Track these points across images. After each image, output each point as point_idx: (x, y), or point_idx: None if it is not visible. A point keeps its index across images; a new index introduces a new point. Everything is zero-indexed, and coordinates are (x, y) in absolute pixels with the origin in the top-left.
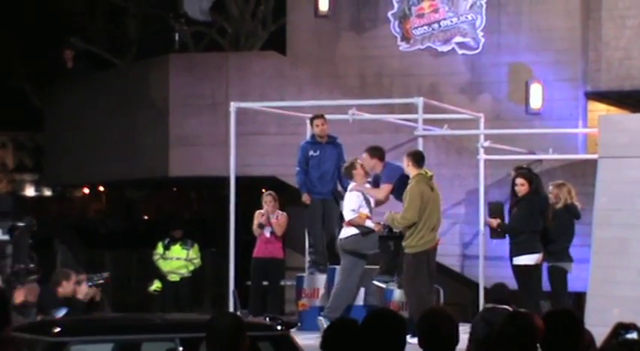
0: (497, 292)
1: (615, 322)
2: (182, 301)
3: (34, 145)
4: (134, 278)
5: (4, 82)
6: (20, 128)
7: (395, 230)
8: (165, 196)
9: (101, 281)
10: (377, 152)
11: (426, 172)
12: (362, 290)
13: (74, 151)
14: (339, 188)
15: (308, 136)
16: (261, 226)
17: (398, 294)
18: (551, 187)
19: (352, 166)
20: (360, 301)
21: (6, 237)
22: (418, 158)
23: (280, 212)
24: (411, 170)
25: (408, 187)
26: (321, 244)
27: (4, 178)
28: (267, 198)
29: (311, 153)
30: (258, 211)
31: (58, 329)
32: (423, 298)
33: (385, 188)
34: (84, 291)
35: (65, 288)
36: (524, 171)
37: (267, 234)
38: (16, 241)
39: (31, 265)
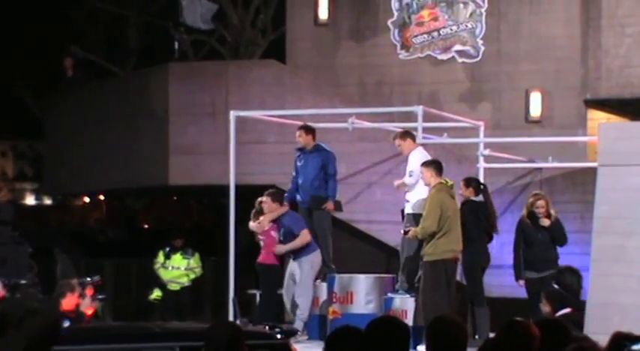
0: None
1: (614, 331)
2: (182, 309)
3: (34, 153)
4: (134, 287)
5: (4, 91)
6: (20, 137)
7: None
8: (165, 205)
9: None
10: (278, 196)
11: (447, 181)
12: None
13: (74, 159)
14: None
15: None
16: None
17: (398, 302)
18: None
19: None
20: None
21: None
22: (438, 167)
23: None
24: (432, 180)
25: (428, 195)
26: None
27: (5, 187)
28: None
29: (298, 162)
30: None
31: None
32: (439, 309)
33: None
34: (87, 304)
35: (69, 301)
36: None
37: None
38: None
39: (30, 276)
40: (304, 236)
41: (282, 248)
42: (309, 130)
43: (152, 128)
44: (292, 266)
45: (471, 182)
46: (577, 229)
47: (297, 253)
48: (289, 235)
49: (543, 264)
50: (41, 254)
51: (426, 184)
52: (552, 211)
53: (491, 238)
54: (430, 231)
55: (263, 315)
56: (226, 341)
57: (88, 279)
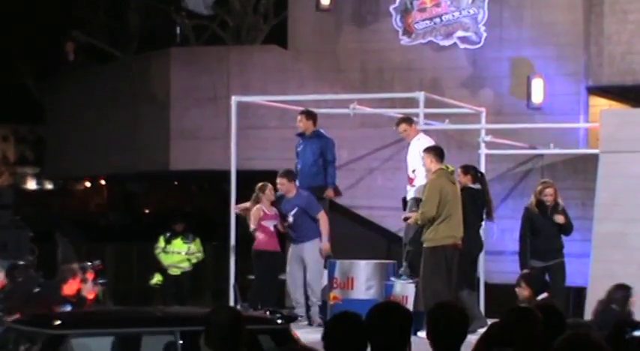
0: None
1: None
2: (183, 294)
3: (35, 138)
4: (135, 271)
5: (6, 75)
6: (22, 121)
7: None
8: (166, 190)
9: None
10: (292, 175)
11: (447, 167)
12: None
13: (75, 144)
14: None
15: None
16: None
17: (399, 288)
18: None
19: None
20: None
21: None
22: (439, 153)
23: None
24: (432, 166)
25: (428, 181)
26: None
27: (6, 171)
28: (270, 187)
29: (298, 147)
30: (257, 207)
31: (58, 322)
32: (439, 296)
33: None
34: (89, 288)
35: (71, 285)
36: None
37: (272, 228)
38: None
39: (30, 258)
40: (325, 218)
41: (327, 245)
42: (309, 116)
43: (153, 113)
44: (297, 250)
45: (469, 170)
46: (578, 216)
47: (302, 238)
48: (303, 216)
49: (549, 253)
50: (42, 238)
51: (427, 170)
52: (560, 201)
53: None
54: (429, 216)
55: (255, 300)
56: (227, 326)
57: (89, 263)
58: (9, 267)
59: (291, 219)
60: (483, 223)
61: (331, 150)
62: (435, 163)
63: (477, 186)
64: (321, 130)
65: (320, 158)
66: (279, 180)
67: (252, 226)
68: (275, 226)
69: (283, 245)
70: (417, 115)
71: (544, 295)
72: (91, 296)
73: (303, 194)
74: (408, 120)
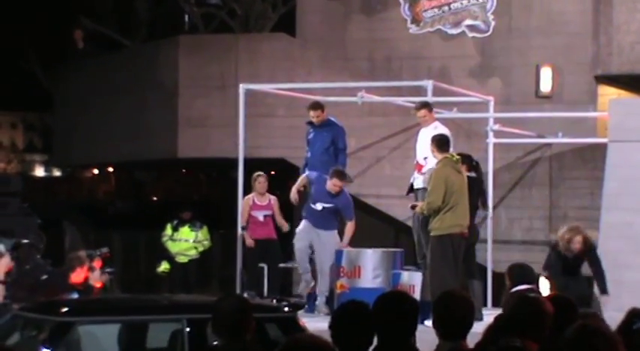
0: (520, 273)
1: (629, 308)
2: (190, 282)
3: (43, 125)
4: (142, 259)
5: (14, 63)
6: (30, 109)
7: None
8: (174, 178)
9: (100, 256)
10: (344, 177)
11: (452, 156)
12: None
13: (83, 131)
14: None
15: None
16: (243, 229)
17: (406, 277)
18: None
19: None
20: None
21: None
22: (441, 143)
23: (271, 196)
24: (436, 155)
25: (433, 170)
26: None
27: (14, 159)
28: (261, 179)
29: (308, 136)
30: (247, 197)
31: (65, 309)
32: (446, 284)
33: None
34: (96, 277)
35: (78, 274)
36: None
37: (261, 218)
38: (18, 257)
39: (40, 246)
40: (354, 225)
41: (347, 246)
42: (323, 108)
43: (161, 101)
44: (311, 237)
45: (464, 158)
46: (586, 206)
47: (321, 225)
48: (334, 213)
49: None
50: (50, 226)
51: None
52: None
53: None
54: (435, 206)
55: (252, 288)
56: (234, 314)
57: (97, 251)
58: (12, 246)
59: (319, 207)
60: (485, 212)
61: (342, 138)
62: (437, 152)
63: (472, 174)
64: (332, 118)
65: (331, 146)
66: (336, 181)
67: (242, 223)
68: (265, 216)
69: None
70: None
71: (524, 286)
72: (98, 285)
73: (347, 196)
74: (428, 105)
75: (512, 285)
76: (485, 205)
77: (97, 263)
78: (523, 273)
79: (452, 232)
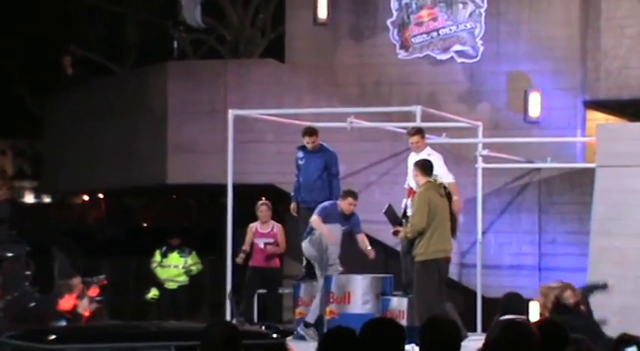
0: (511, 302)
1: (618, 333)
2: (179, 308)
3: (33, 152)
4: (132, 286)
5: (3, 89)
6: (19, 135)
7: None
8: (163, 204)
9: (96, 284)
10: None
11: (435, 180)
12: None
13: (73, 158)
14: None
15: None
16: (244, 252)
17: (395, 302)
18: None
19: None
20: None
21: None
22: (425, 168)
23: (276, 224)
24: (419, 179)
25: (417, 193)
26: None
27: (4, 185)
28: (262, 207)
29: (299, 161)
30: (251, 225)
31: (53, 336)
32: (432, 310)
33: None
34: (85, 306)
35: (67, 300)
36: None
37: (262, 245)
38: (5, 271)
39: (28, 273)
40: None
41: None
42: (318, 134)
43: (151, 127)
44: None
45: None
46: (575, 231)
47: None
48: (345, 235)
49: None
50: (39, 252)
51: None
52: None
53: None
54: (419, 227)
55: (246, 314)
56: (223, 341)
57: (95, 279)
58: None
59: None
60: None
61: (335, 164)
62: (421, 176)
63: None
64: (325, 144)
65: (324, 172)
66: (351, 200)
67: (245, 247)
68: (266, 244)
69: (281, 262)
70: None
71: (511, 316)
72: (86, 313)
73: (357, 214)
74: (422, 131)
75: (501, 314)
76: (454, 233)
77: (93, 291)
78: (510, 302)
79: (437, 257)
